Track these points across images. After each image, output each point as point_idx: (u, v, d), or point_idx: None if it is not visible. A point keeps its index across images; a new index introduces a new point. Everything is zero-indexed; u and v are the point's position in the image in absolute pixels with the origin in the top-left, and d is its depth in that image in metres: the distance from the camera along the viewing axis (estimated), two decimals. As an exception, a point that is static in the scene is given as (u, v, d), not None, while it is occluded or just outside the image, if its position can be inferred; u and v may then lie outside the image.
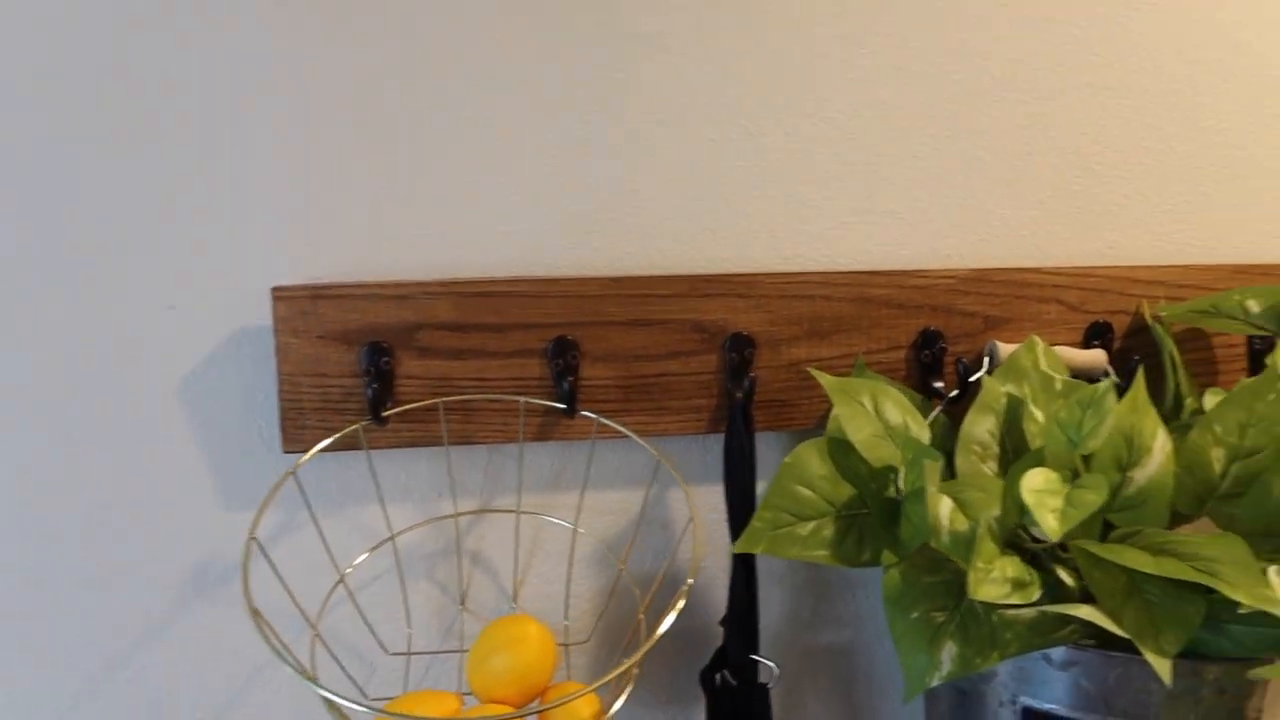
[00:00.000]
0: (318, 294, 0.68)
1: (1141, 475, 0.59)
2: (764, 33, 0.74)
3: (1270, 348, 0.79)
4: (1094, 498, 0.52)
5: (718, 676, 0.72)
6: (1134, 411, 0.59)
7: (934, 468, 0.58)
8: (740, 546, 0.63)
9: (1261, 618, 0.56)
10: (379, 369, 0.69)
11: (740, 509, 0.71)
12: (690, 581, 0.63)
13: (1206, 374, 0.81)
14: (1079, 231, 0.81)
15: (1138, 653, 0.57)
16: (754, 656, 0.70)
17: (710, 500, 0.78)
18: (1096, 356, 0.76)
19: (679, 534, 0.77)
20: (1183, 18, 0.80)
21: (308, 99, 0.68)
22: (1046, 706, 0.60)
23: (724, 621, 0.71)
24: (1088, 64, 0.79)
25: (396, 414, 0.69)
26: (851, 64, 0.75)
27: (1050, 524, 0.52)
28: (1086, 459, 0.59)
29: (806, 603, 0.79)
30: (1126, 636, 0.53)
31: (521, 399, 0.71)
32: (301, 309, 0.68)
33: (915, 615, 0.60)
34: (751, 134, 0.75)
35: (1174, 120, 0.81)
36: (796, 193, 0.76)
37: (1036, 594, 0.56)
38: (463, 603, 0.75)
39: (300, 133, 0.68)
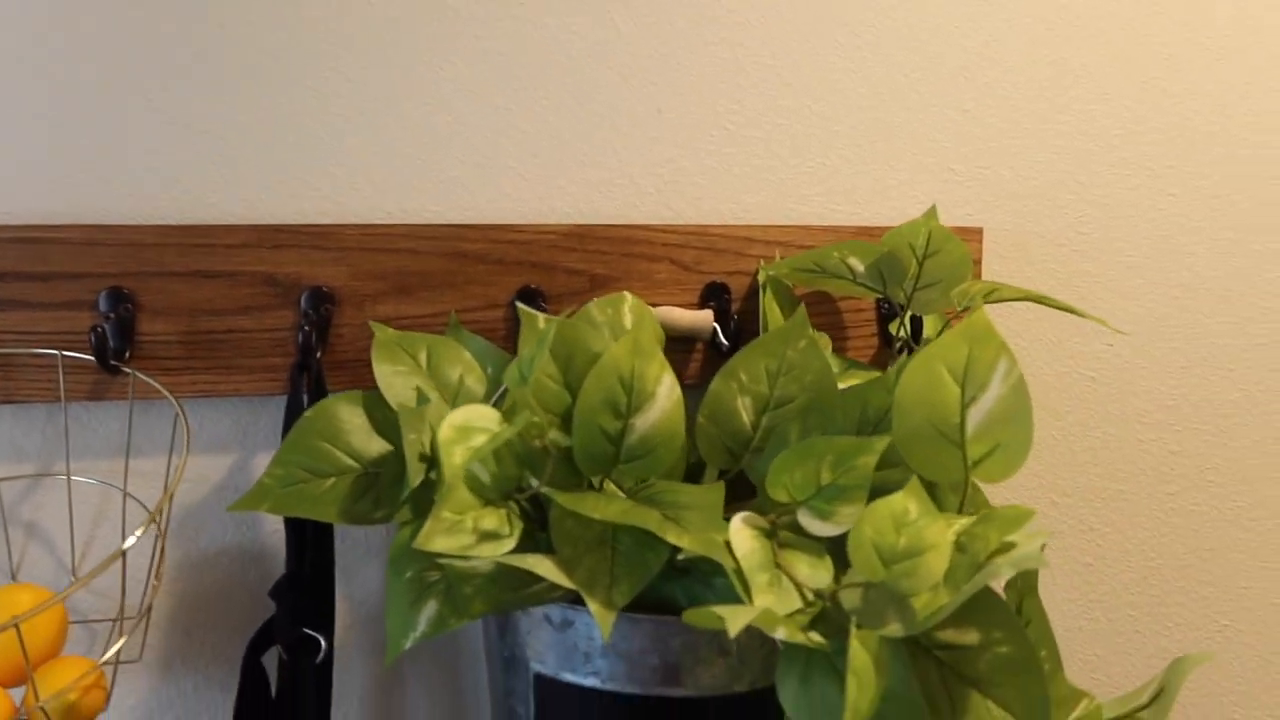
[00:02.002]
0: None
1: (644, 422, 0.56)
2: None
3: (894, 315, 0.77)
4: (484, 439, 0.49)
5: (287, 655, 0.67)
6: (635, 354, 0.56)
7: (418, 413, 0.54)
8: (239, 505, 0.59)
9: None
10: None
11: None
12: (130, 542, 0.58)
13: (838, 340, 0.79)
14: (713, 191, 0.78)
15: (637, 610, 0.53)
16: (306, 630, 0.65)
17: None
18: (702, 317, 0.73)
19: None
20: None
21: None
22: (561, 675, 0.57)
23: (274, 592, 0.66)
24: (724, 21, 0.77)
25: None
26: (462, 13, 0.72)
27: (452, 461, 0.48)
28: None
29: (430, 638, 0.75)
30: (573, 587, 0.50)
31: (60, 353, 0.67)
32: None
33: (409, 575, 0.56)
34: (329, 80, 0.71)
35: (811, 81, 0.79)
36: (383, 141, 0.72)
37: (509, 547, 0.52)
38: (14, 577, 0.69)
39: None
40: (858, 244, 0.70)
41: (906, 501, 0.46)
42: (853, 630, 0.43)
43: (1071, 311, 0.69)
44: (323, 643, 0.65)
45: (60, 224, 0.67)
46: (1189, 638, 0.88)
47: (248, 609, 0.72)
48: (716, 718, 0.56)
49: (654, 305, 0.72)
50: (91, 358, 0.66)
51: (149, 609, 0.62)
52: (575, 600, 0.55)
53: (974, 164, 0.82)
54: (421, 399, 0.58)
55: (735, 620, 0.42)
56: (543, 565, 0.49)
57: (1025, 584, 0.54)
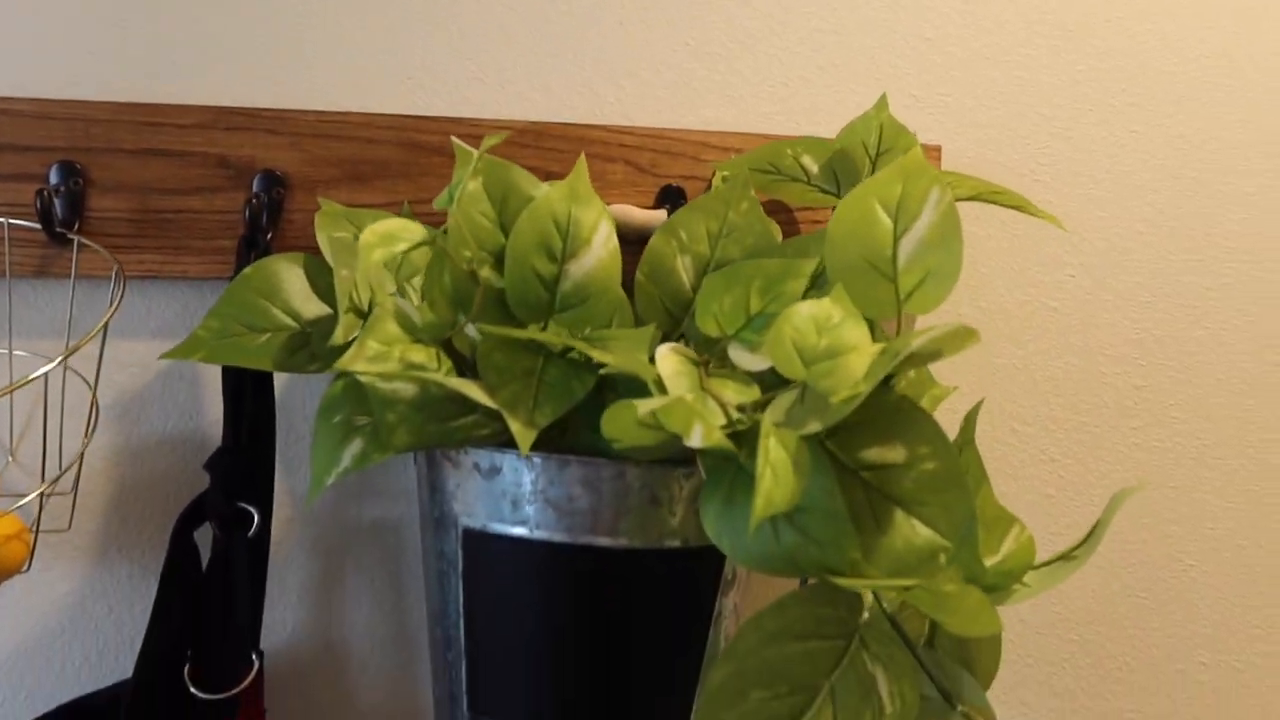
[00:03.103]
0: None
1: (578, 269, 0.55)
2: None
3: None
4: (405, 245, 0.49)
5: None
6: (572, 199, 0.55)
7: (350, 247, 0.54)
8: (172, 354, 0.58)
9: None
10: None
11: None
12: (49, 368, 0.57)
13: (795, 252, 0.78)
14: (672, 105, 0.78)
15: (571, 452, 0.53)
16: (240, 504, 0.64)
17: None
18: (657, 216, 0.73)
19: (204, 390, 0.71)
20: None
21: None
22: (490, 526, 0.55)
23: (209, 464, 0.65)
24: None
25: None
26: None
27: (369, 260, 0.48)
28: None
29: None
30: (496, 406, 0.49)
31: (6, 221, 0.66)
32: None
33: (338, 419, 0.55)
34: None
35: (773, 3, 0.79)
36: (343, 37, 0.73)
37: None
38: (-50, 453, 0.68)
39: None
40: (811, 140, 0.70)
41: (829, 306, 0.45)
42: (769, 428, 0.42)
43: (1021, 209, 0.69)
44: (256, 516, 0.64)
45: (11, 95, 0.67)
46: (1152, 575, 0.86)
47: (187, 498, 0.71)
48: (647, 571, 0.55)
49: (609, 205, 0.72)
50: (38, 225, 0.66)
51: (79, 461, 0.61)
52: (503, 444, 0.54)
53: (935, 90, 0.82)
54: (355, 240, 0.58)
55: (646, 405, 0.41)
56: (467, 386, 0.49)
57: (963, 437, 0.53)
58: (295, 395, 0.73)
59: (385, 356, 0.51)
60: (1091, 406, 0.85)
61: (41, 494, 0.58)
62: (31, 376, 0.53)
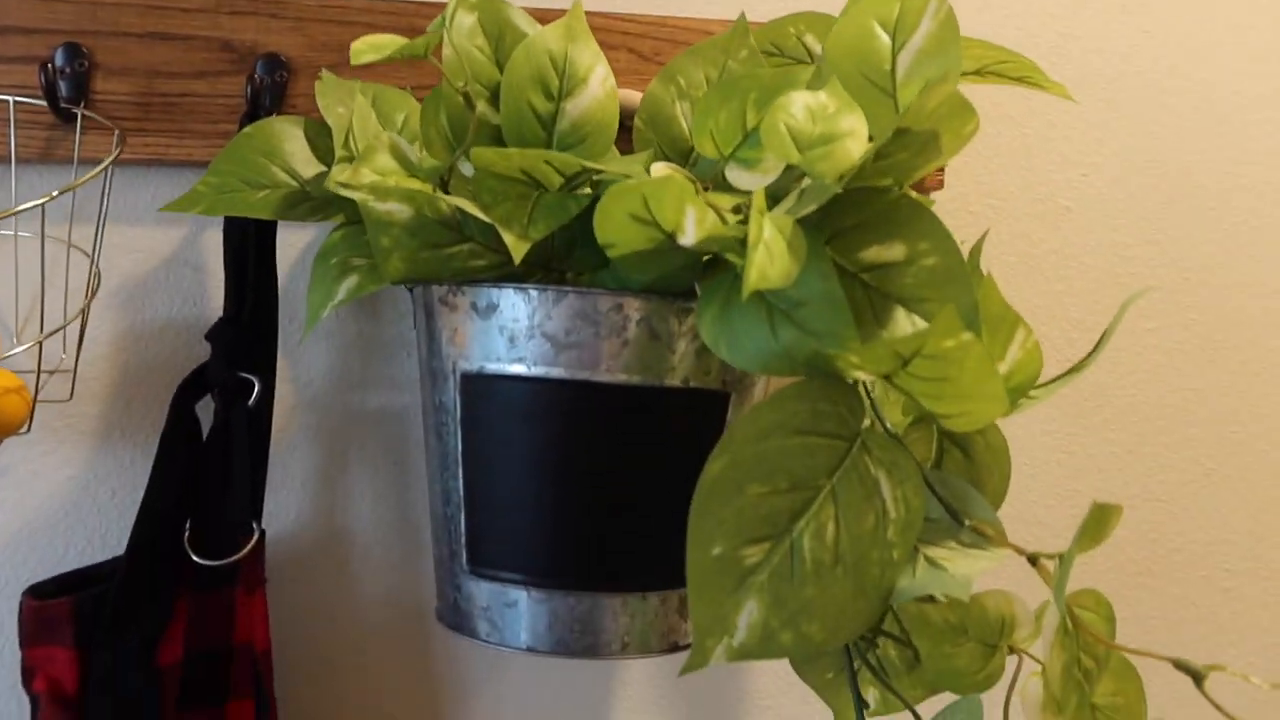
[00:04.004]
0: None
1: (575, 107, 0.55)
2: None
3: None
4: (394, 48, 0.49)
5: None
6: (568, 39, 0.55)
7: (343, 85, 0.54)
8: (173, 206, 0.58)
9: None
10: None
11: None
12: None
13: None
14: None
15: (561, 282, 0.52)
16: (241, 374, 0.64)
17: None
18: (632, 96, 0.72)
19: (209, 276, 0.71)
20: None
21: None
22: (487, 367, 0.55)
23: (210, 334, 0.65)
24: None
25: None
26: None
27: (359, 57, 0.48)
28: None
29: (355, 362, 0.73)
30: (489, 220, 0.48)
31: (11, 99, 0.67)
32: None
33: (335, 261, 0.55)
34: None
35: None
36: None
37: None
38: (-46, 333, 0.68)
39: None
40: (811, 16, 0.70)
41: (824, 97, 0.44)
42: (761, 204, 0.41)
43: (1028, 79, 0.68)
44: (257, 385, 0.64)
45: (19, -23, 0.68)
46: (1171, 479, 0.84)
47: (190, 383, 0.71)
48: (646, 410, 0.54)
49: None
50: (43, 103, 0.66)
51: (82, 322, 0.61)
52: (500, 279, 0.54)
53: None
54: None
55: (636, 182, 0.41)
56: (462, 202, 0.48)
57: (970, 263, 0.52)
58: (298, 284, 0.72)
59: (380, 182, 0.50)
60: (1106, 307, 0.84)
61: (39, 342, 0.57)
62: (35, 203, 0.53)
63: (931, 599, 0.47)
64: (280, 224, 0.69)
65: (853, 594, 0.43)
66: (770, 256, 0.41)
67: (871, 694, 0.56)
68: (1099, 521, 0.39)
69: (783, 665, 0.79)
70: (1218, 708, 0.38)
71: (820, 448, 0.44)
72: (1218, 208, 0.85)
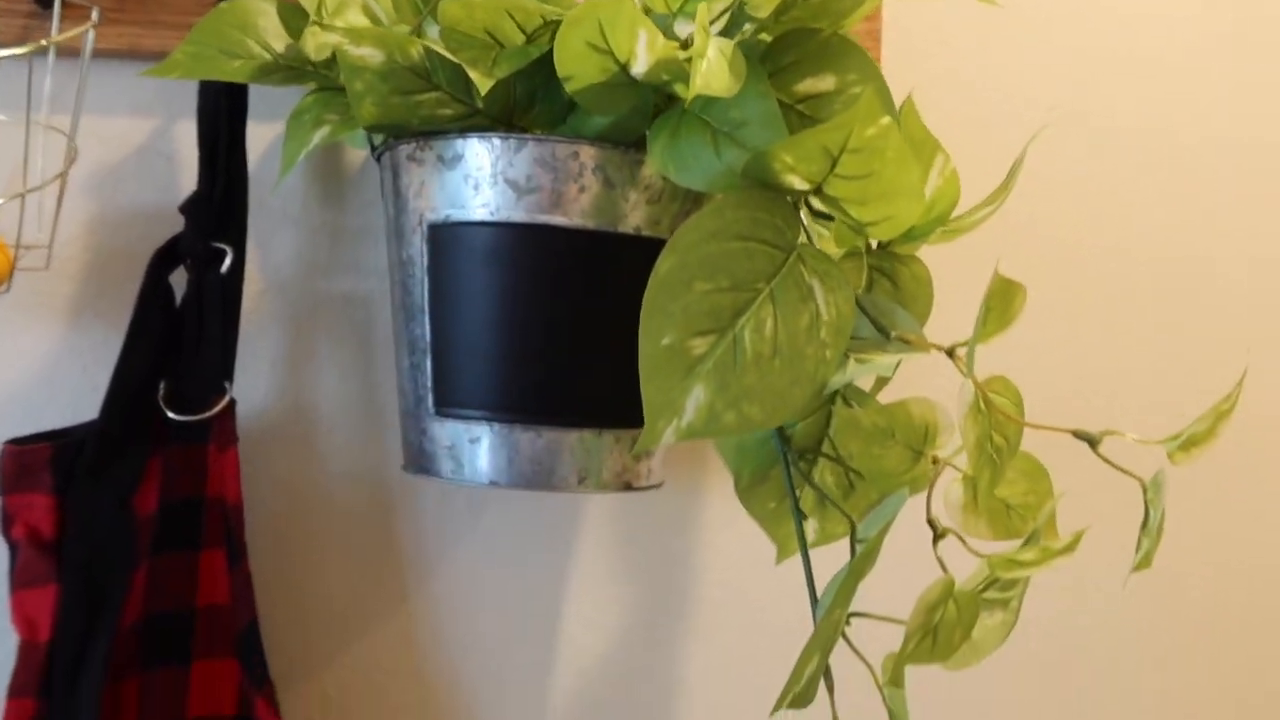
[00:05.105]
0: None
1: None
2: None
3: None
4: None
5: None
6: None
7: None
8: (152, 71, 0.61)
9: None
10: None
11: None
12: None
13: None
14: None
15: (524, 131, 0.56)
16: (214, 244, 0.67)
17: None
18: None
19: (180, 165, 0.74)
20: None
21: None
22: (452, 216, 0.58)
23: (183, 206, 0.68)
24: None
25: None
26: None
27: None
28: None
29: (322, 247, 0.76)
30: (457, 60, 0.52)
31: (-12, -18, 0.69)
32: None
33: (308, 117, 0.59)
34: None
35: None
36: None
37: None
38: (-69, 212, 0.71)
39: None
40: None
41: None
42: (704, 21, 0.46)
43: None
44: (230, 253, 0.67)
45: None
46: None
47: (162, 266, 0.73)
48: (603, 254, 0.58)
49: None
50: (17, -11, 0.69)
51: (61, 187, 0.63)
52: (466, 130, 0.58)
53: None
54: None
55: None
56: (431, 42, 0.52)
57: (904, 112, 0.57)
58: (267, 172, 0.75)
59: (355, 28, 0.54)
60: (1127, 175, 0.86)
61: (22, 195, 0.60)
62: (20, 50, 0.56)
63: (861, 403, 0.52)
64: (249, 119, 0.73)
65: (789, 383, 0.48)
66: (711, 69, 0.45)
67: (810, 526, 0.61)
68: (1003, 299, 0.44)
69: (724, 502, 0.81)
70: (1112, 465, 0.43)
71: (759, 252, 0.48)
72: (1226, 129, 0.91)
